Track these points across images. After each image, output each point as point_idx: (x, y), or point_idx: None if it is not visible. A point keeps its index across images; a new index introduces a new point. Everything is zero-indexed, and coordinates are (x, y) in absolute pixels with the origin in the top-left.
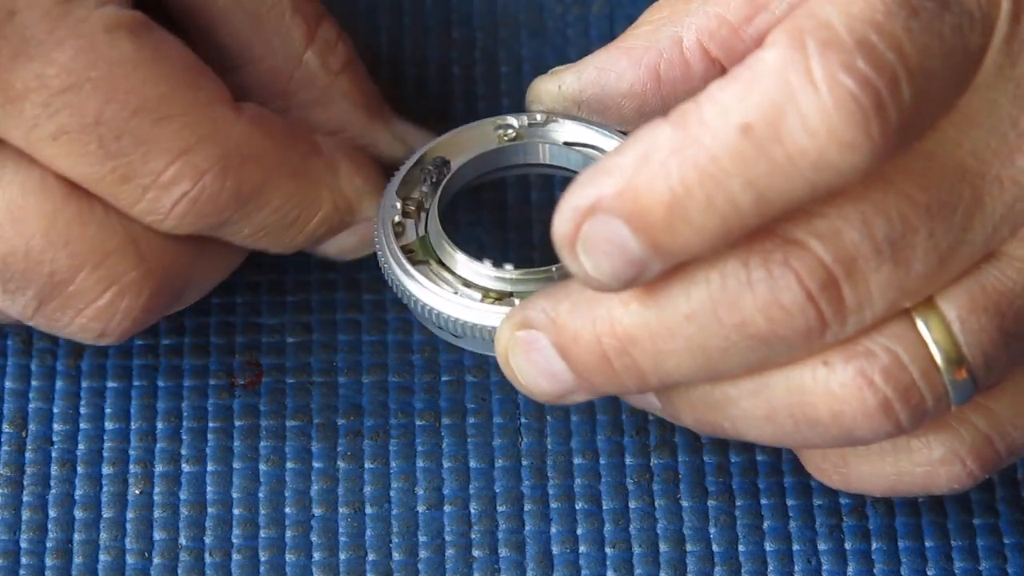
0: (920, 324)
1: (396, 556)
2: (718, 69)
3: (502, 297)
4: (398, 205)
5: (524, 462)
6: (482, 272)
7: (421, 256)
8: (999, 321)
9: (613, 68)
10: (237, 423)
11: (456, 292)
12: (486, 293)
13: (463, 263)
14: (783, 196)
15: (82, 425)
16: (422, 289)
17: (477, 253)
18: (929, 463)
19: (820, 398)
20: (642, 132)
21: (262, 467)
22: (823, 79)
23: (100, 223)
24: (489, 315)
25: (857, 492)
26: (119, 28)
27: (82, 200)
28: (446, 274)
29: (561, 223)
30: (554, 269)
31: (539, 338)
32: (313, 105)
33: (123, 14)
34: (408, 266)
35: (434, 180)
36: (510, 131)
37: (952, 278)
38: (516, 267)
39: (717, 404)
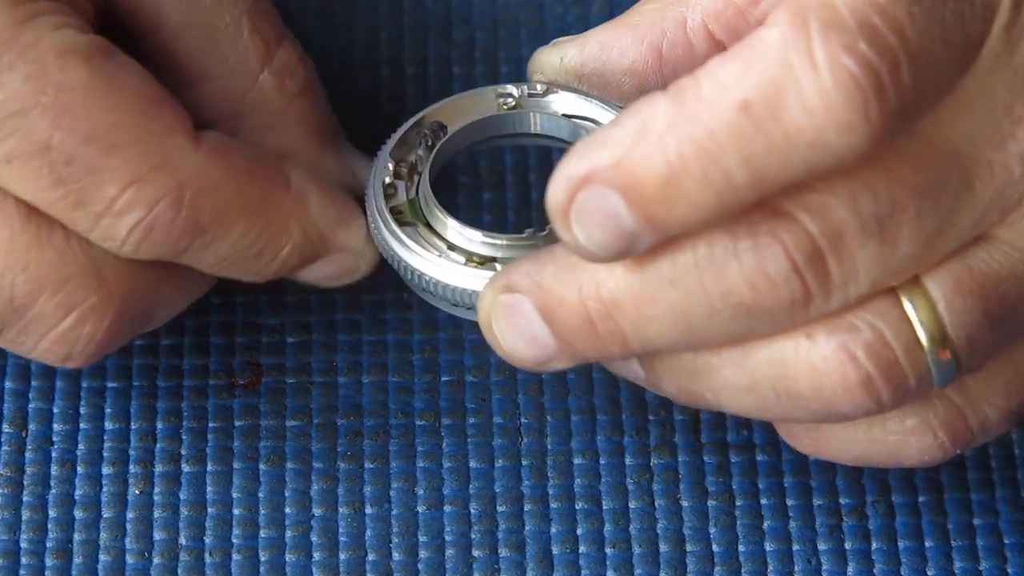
0: (905, 302)
1: (396, 556)
2: (721, 51)
3: (485, 262)
4: (391, 166)
5: (524, 462)
6: (469, 237)
7: (409, 218)
8: (984, 303)
9: (616, 44)
10: (237, 423)
11: (441, 255)
12: (470, 257)
13: (450, 227)
14: (779, 174)
15: (82, 425)
16: (407, 251)
17: (465, 217)
18: (901, 433)
19: (802, 371)
20: (639, 105)
21: (262, 467)
22: (824, 59)
23: (59, 248)
24: (471, 278)
25: (829, 459)
26: (72, 53)
27: (41, 225)
28: (433, 237)
29: (555, 191)
30: (540, 235)
31: (522, 302)
32: (265, 128)
33: (78, 39)
34: (395, 227)
35: (429, 143)
36: (510, 99)
37: (939, 259)
38: (503, 233)
39: (699, 373)
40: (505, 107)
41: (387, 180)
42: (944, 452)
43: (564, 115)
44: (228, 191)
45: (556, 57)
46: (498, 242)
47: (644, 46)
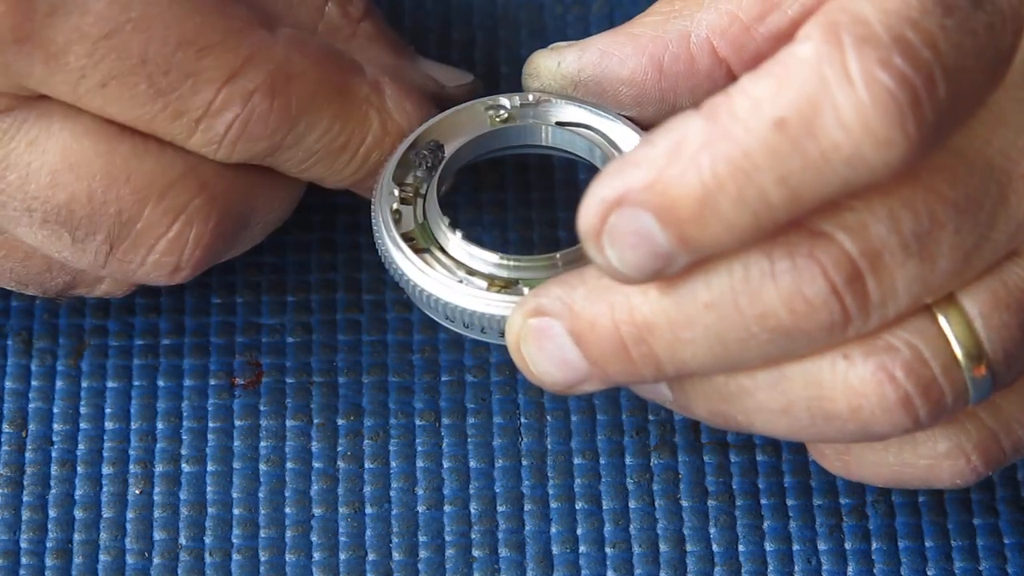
0: (942, 320)
1: (396, 556)
2: (723, 68)
3: (508, 285)
4: (396, 192)
5: (524, 462)
6: (484, 259)
7: (422, 243)
8: (1021, 318)
9: (616, 53)
10: (237, 423)
11: (460, 280)
12: (491, 281)
13: (464, 250)
14: (816, 192)
15: (82, 425)
16: (426, 278)
17: (478, 239)
18: (933, 456)
19: (839, 392)
20: (672, 124)
21: (262, 467)
22: (859, 75)
23: (157, 156)
24: (497, 304)
25: (858, 480)
26: None
27: (135, 137)
28: (448, 261)
29: (587, 214)
30: (558, 256)
31: (553, 325)
32: None
33: None
34: (411, 254)
35: (429, 164)
36: (502, 112)
37: (975, 275)
38: (519, 253)
39: (732, 396)
40: (498, 120)
41: (394, 206)
42: (977, 475)
43: (558, 123)
44: (313, 77)
45: (553, 62)
46: (513, 263)
47: (645, 57)
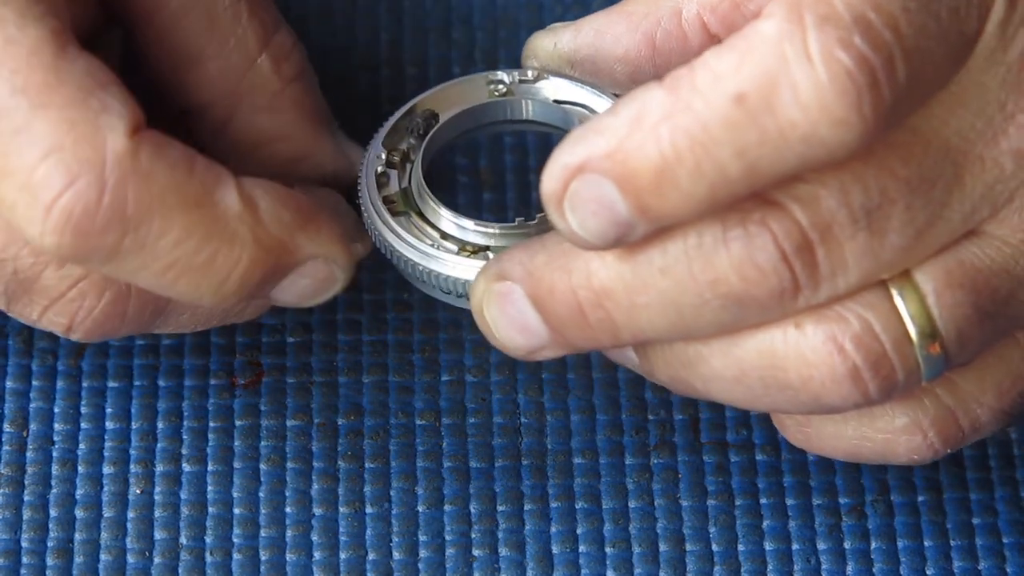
0: (895, 295)
1: (396, 555)
2: (715, 43)
3: (478, 251)
4: (383, 155)
5: (524, 462)
6: (461, 225)
7: (402, 207)
8: (975, 298)
9: (610, 31)
10: (238, 423)
11: (434, 245)
12: (463, 246)
13: (443, 216)
14: (772, 167)
15: (83, 425)
16: (400, 241)
17: (458, 206)
18: (890, 431)
19: (790, 361)
20: (635, 94)
21: (263, 467)
22: (819, 53)
23: None
24: (464, 268)
25: (819, 453)
26: (36, 22)
27: None
28: (426, 226)
29: (550, 179)
30: (532, 224)
31: (514, 290)
32: (262, 110)
33: (48, 20)
34: (387, 217)
35: (421, 132)
36: (501, 86)
37: (929, 253)
38: (496, 222)
39: (689, 362)
40: (496, 94)
41: (379, 169)
42: (934, 452)
43: (555, 101)
44: (160, 181)
45: (550, 42)
46: (490, 231)
47: (638, 35)
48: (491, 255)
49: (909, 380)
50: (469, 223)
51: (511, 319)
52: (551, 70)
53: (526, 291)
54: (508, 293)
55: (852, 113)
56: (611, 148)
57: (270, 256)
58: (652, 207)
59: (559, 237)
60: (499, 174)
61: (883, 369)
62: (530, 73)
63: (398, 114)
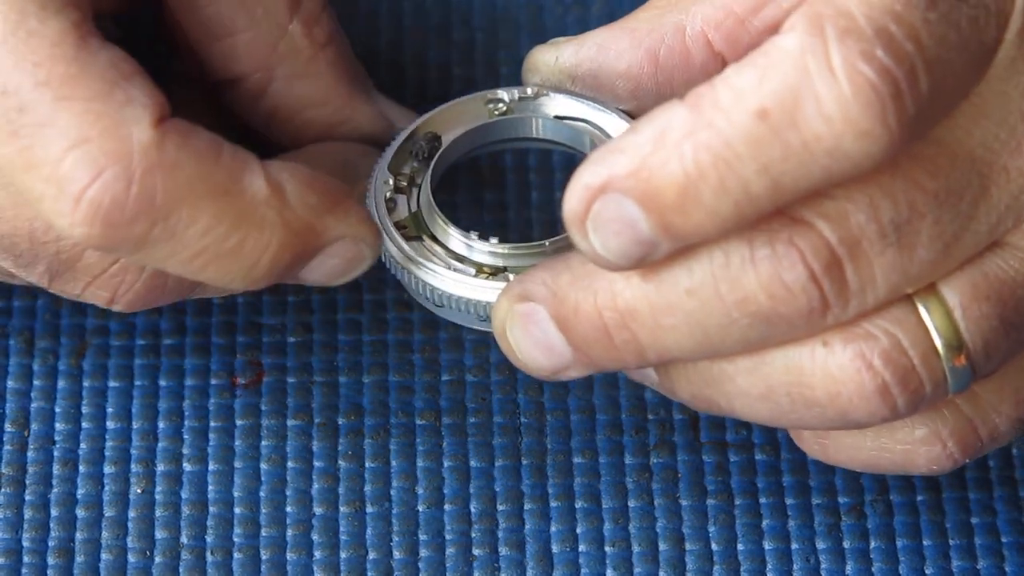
0: (921, 309)
1: (397, 555)
2: (718, 61)
3: (496, 272)
4: (390, 181)
5: (524, 461)
6: (475, 247)
7: (414, 232)
8: (1000, 309)
9: (612, 47)
10: (238, 422)
11: (450, 267)
12: (480, 268)
13: (455, 238)
14: (797, 182)
15: (84, 424)
16: (416, 265)
17: (469, 228)
18: (910, 442)
19: (818, 379)
20: (657, 112)
21: (263, 466)
22: (842, 66)
23: None
24: (484, 290)
25: (836, 464)
26: (58, 14)
27: None
28: (439, 249)
29: (571, 200)
30: (547, 244)
31: (538, 311)
32: (297, 77)
33: (71, 12)
34: (401, 242)
35: (425, 155)
36: (500, 105)
37: (955, 266)
38: (509, 242)
39: (714, 380)
40: (496, 113)
41: (388, 195)
42: (953, 462)
43: (556, 117)
44: (188, 170)
45: (552, 56)
46: (504, 251)
47: (641, 51)
48: (510, 276)
49: (936, 393)
50: (482, 244)
51: (535, 340)
52: (551, 85)
53: (550, 312)
54: (531, 314)
55: (877, 125)
56: (634, 167)
57: (298, 239)
58: (676, 225)
59: (583, 257)
60: (505, 194)
61: (911, 384)
62: (530, 90)
63: (400, 138)
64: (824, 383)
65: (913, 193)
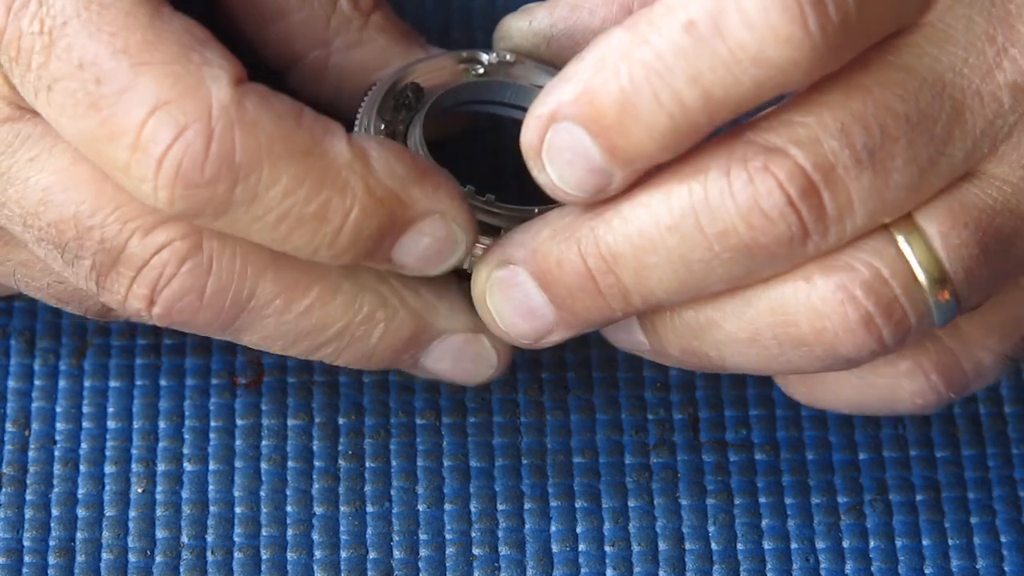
0: (900, 239)
1: (397, 554)
2: None
3: (486, 232)
4: (382, 126)
5: (524, 461)
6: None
7: None
8: (980, 236)
9: (586, 4)
10: (239, 422)
11: None
12: None
13: None
14: (728, 93)
15: (84, 424)
16: None
17: (462, 181)
18: (894, 375)
19: (802, 315)
20: (598, 39)
21: (264, 466)
22: None
23: None
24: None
25: (822, 406)
26: None
27: None
28: None
29: (527, 133)
30: (536, 210)
31: (517, 273)
32: (354, 46)
33: None
34: None
35: (411, 104)
36: (478, 66)
37: (932, 193)
38: (499, 200)
39: (701, 329)
40: (474, 74)
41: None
42: (938, 395)
43: (535, 86)
44: (267, 130)
45: (525, 21)
46: (495, 209)
47: (615, 5)
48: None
49: (921, 325)
50: (472, 198)
51: (516, 304)
52: (525, 52)
53: (531, 271)
54: (511, 277)
55: (797, 30)
56: (577, 92)
57: (383, 207)
58: (619, 146)
59: (561, 212)
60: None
61: (895, 314)
62: (508, 56)
63: (383, 87)
64: (809, 318)
65: (884, 117)
